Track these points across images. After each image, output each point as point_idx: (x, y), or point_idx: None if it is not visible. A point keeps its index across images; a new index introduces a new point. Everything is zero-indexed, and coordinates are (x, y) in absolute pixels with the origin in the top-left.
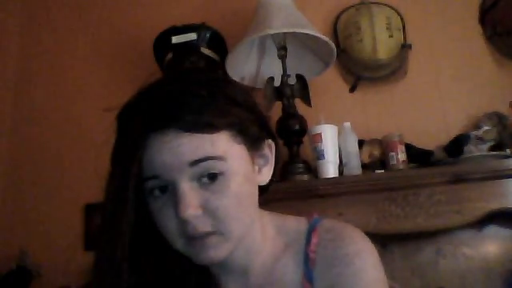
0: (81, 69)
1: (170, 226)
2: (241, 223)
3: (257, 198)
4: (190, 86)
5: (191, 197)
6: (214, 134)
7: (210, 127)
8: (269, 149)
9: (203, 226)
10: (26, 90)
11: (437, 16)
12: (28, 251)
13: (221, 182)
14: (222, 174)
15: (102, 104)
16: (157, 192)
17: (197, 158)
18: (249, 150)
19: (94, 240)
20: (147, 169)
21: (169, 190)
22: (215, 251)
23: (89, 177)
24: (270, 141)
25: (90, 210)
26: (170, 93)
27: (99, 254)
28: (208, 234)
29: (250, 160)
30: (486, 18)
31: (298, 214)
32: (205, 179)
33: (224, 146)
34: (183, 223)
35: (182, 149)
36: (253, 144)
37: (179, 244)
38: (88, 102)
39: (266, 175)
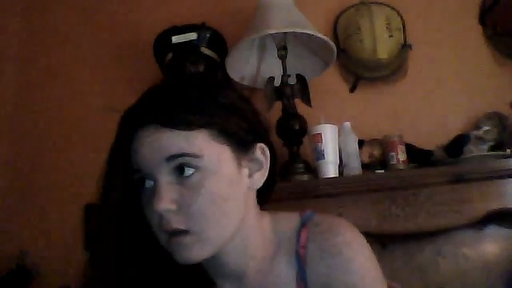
0: (81, 69)
1: (152, 220)
2: (217, 226)
3: (249, 202)
4: (181, 88)
5: (166, 191)
6: (191, 132)
7: (185, 124)
8: (262, 153)
9: (176, 222)
10: (26, 90)
11: (437, 16)
12: (28, 251)
13: (196, 179)
14: (197, 170)
15: (102, 104)
16: (147, 184)
17: (172, 154)
18: (234, 153)
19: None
20: (133, 162)
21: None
22: (188, 252)
23: (89, 177)
24: (262, 144)
25: (89, 209)
26: (160, 94)
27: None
28: (181, 232)
29: (234, 162)
30: (486, 18)
31: None
32: (181, 175)
33: (200, 144)
34: (160, 217)
35: (158, 144)
36: (239, 146)
37: (163, 240)
38: (88, 102)
39: (258, 180)
